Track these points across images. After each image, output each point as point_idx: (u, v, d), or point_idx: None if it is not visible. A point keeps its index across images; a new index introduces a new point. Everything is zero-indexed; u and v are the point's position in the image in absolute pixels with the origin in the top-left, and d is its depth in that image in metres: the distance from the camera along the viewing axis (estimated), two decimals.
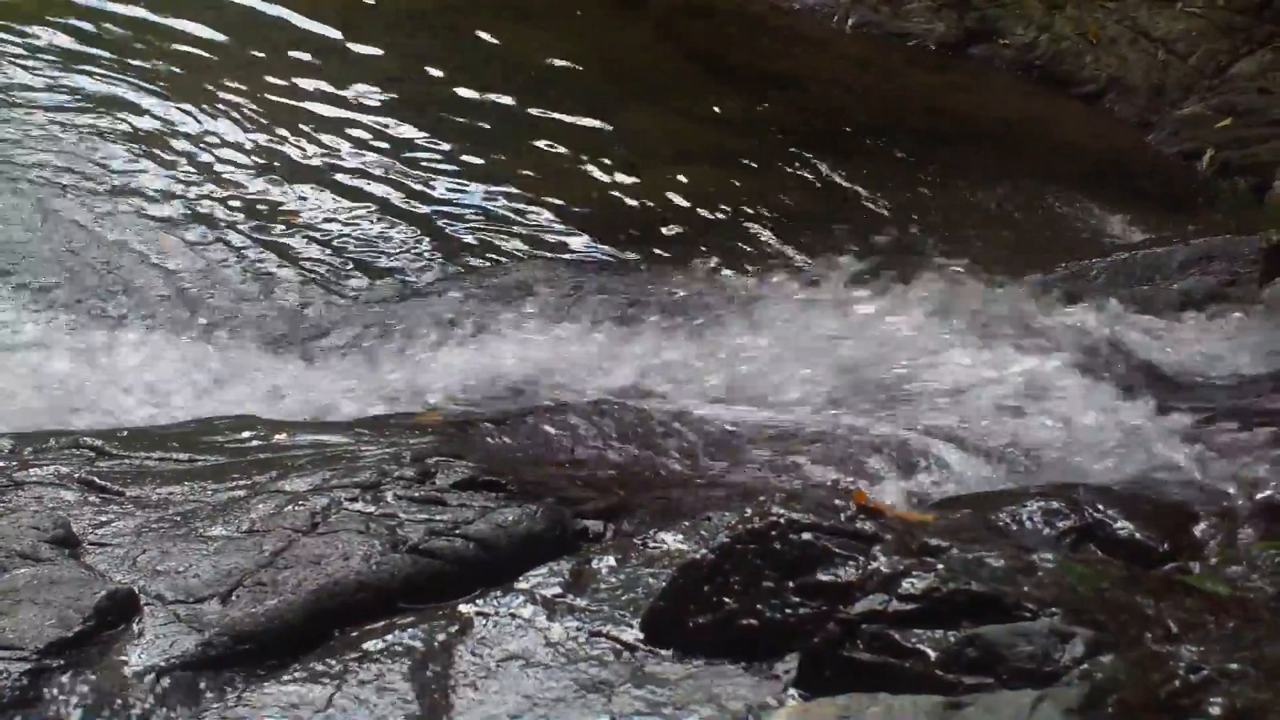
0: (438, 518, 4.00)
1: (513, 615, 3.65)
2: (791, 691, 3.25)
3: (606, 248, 7.70)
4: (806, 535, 3.46)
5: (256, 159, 8.23)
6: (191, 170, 8.04)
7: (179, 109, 8.65)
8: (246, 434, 4.77)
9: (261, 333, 6.62)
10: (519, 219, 7.90)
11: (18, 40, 9.16)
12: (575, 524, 4.20)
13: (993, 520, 4.06)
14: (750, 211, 8.22)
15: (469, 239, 7.65)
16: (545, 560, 3.92)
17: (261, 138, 8.45)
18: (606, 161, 8.65)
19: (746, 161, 8.85)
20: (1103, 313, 6.58)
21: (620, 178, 8.45)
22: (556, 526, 4.08)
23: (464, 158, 8.50)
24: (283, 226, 7.60)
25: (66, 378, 5.85)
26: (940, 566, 3.26)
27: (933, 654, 3.07)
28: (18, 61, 8.90)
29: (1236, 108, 9.89)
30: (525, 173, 8.41)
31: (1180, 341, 6.33)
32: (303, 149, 8.40)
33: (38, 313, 6.58)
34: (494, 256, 7.52)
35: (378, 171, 8.25)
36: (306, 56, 9.56)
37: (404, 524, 3.95)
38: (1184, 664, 2.85)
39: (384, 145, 8.55)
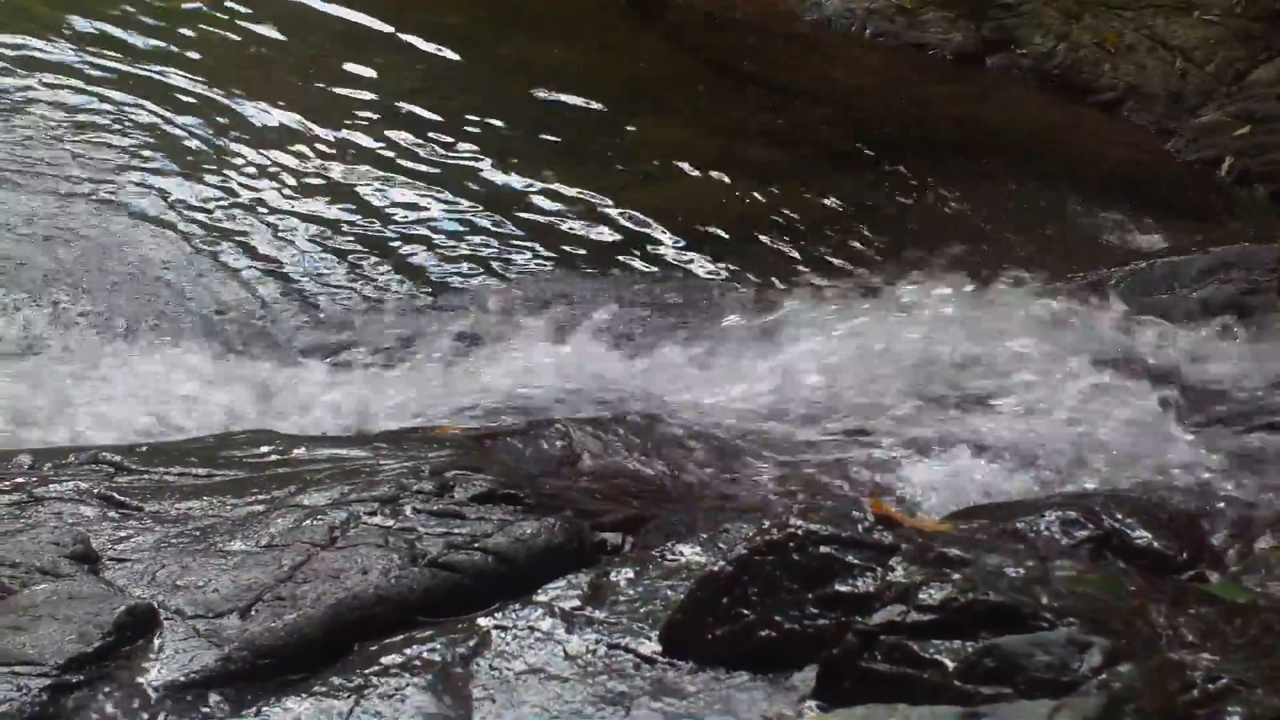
0: (456, 531, 4.01)
1: (531, 628, 3.66)
2: (810, 703, 3.25)
3: (623, 259, 7.70)
4: (824, 547, 3.46)
5: (259, 175, 8.25)
6: (211, 181, 8.07)
7: (192, 129, 8.68)
8: (265, 448, 4.78)
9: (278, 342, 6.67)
10: (534, 231, 7.90)
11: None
12: (593, 537, 4.20)
13: (1010, 530, 4.05)
14: (767, 222, 8.22)
15: (484, 251, 7.65)
16: (564, 573, 3.93)
17: (265, 156, 8.46)
18: (622, 173, 8.66)
19: (763, 172, 8.84)
20: (1121, 321, 6.57)
21: (636, 189, 8.45)
22: (575, 539, 4.08)
23: (478, 171, 8.51)
24: (305, 237, 7.63)
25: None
26: (958, 577, 3.26)
27: (950, 664, 3.07)
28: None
29: (1255, 115, 9.85)
30: (540, 184, 8.41)
31: (1199, 350, 6.31)
32: (314, 162, 8.42)
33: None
34: (509, 269, 7.52)
35: (391, 185, 8.26)
36: (319, 73, 9.58)
37: (422, 538, 3.96)
38: (1202, 673, 2.85)
39: (398, 159, 8.56)
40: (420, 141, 8.78)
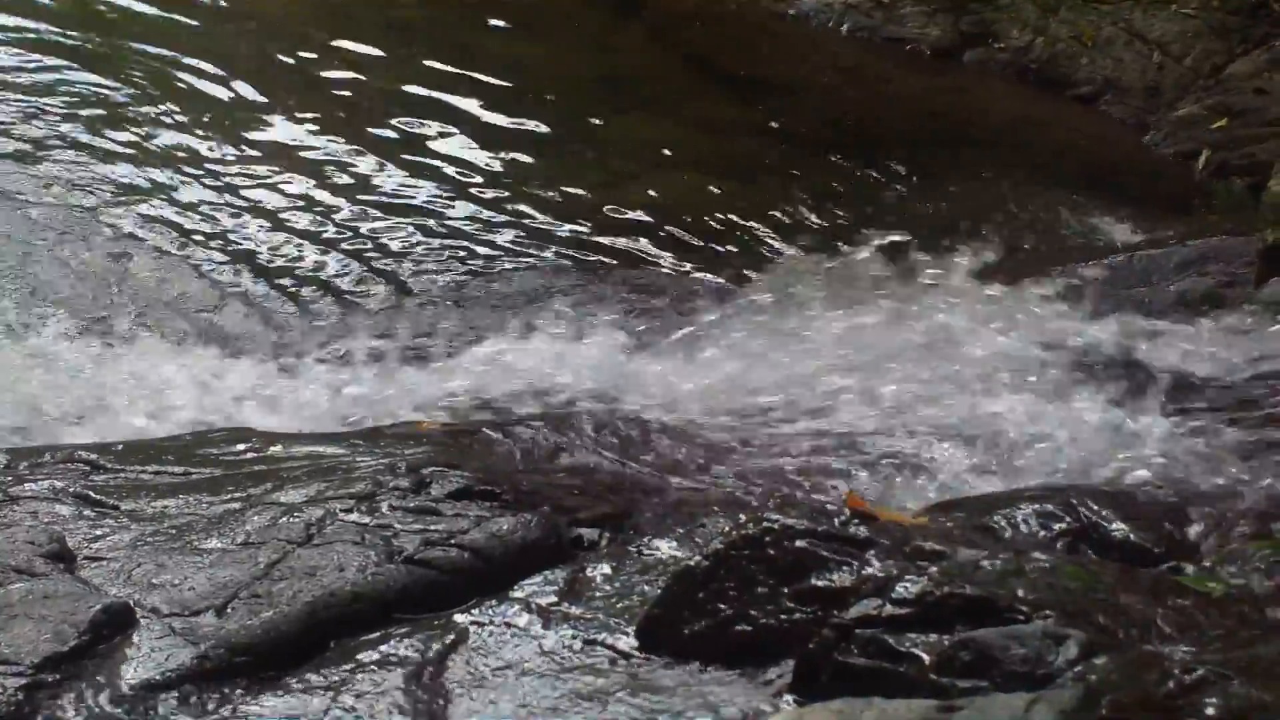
0: (433, 528, 4.00)
1: (508, 624, 3.65)
2: (786, 697, 3.25)
3: (602, 256, 7.70)
4: (801, 541, 3.45)
5: (246, 174, 8.23)
6: (199, 185, 8.05)
7: (183, 134, 8.66)
8: (241, 446, 4.77)
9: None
10: (516, 228, 7.90)
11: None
12: (570, 532, 4.18)
13: (987, 523, 4.06)
14: (747, 216, 8.23)
15: (467, 248, 7.65)
16: (540, 569, 3.92)
17: (251, 155, 8.45)
18: (603, 169, 8.66)
19: (743, 168, 8.86)
20: (1099, 315, 6.58)
21: (617, 185, 8.46)
22: (552, 535, 4.08)
23: (461, 168, 8.51)
24: (277, 236, 7.61)
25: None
26: (934, 570, 3.26)
27: (927, 658, 3.06)
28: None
29: (1232, 108, 9.88)
30: (520, 180, 8.42)
31: (1176, 343, 6.32)
32: (291, 158, 8.40)
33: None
34: (490, 265, 7.52)
35: (370, 184, 8.25)
36: (299, 70, 9.57)
37: (399, 534, 3.95)
38: (1179, 664, 2.84)
39: (380, 157, 8.56)
40: (400, 137, 8.78)
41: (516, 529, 4.03)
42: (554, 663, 3.47)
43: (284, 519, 4.01)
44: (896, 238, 7.80)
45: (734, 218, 8.24)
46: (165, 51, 9.56)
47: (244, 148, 8.50)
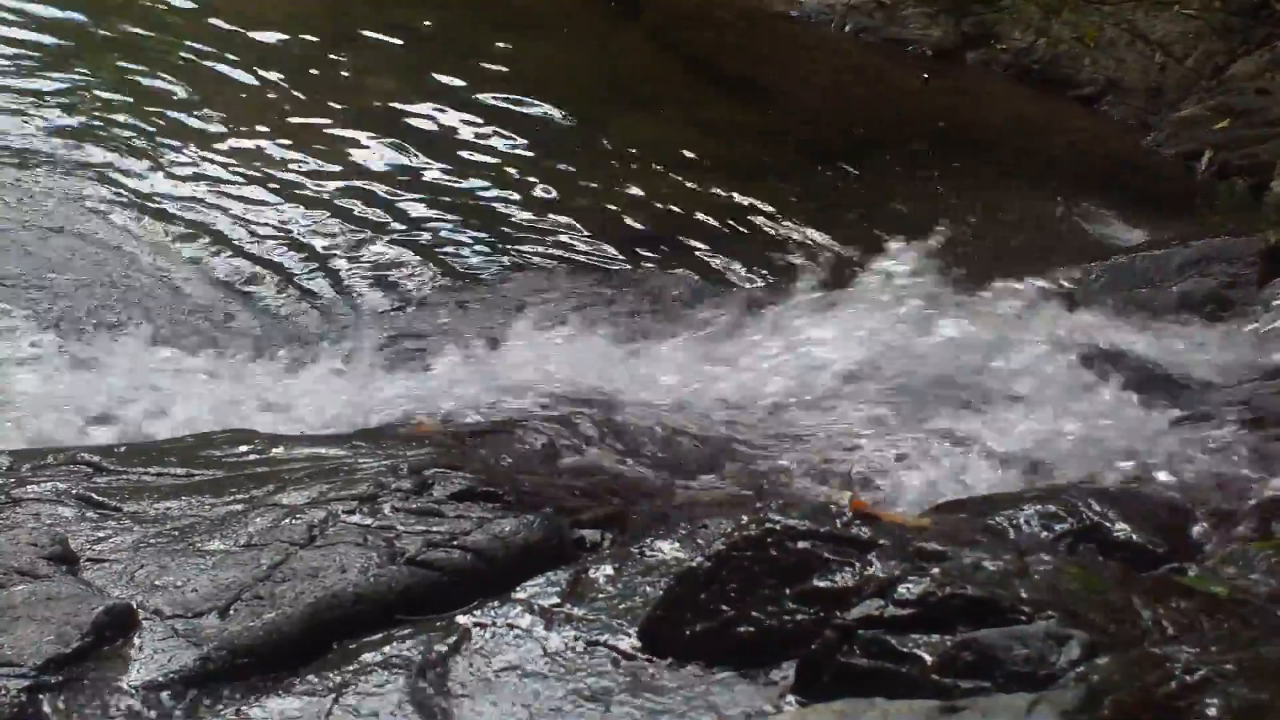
0: (435, 529, 4.00)
1: (510, 626, 3.65)
2: (789, 698, 3.25)
3: (604, 257, 7.70)
4: (803, 542, 3.46)
5: (250, 176, 8.22)
6: (199, 189, 8.05)
7: (187, 136, 8.65)
8: (244, 448, 4.77)
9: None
10: (516, 229, 7.90)
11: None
12: (572, 533, 4.19)
13: (989, 524, 4.05)
14: (747, 218, 8.23)
15: (467, 251, 7.65)
16: (543, 570, 3.92)
17: (255, 158, 8.44)
18: (603, 170, 8.66)
19: (744, 169, 8.85)
20: (1102, 315, 6.58)
21: (617, 187, 8.46)
22: (554, 536, 4.08)
23: (460, 169, 8.51)
24: (272, 244, 7.61)
25: None
26: (936, 571, 3.26)
27: (929, 658, 3.07)
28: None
29: (1234, 109, 9.88)
30: (522, 183, 8.42)
31: (1179, 343, 6.32)
32: (292, 164, 8.39)
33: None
34: (492, 267, 7.51)
35: (373, 185, 8.25)
36: (297, 70, 9.57)
37: (401, 536, 3.95)
38: (1180, 665, 2.84)
39: (378, 158, 8.55)
40: (398, 139, 8.77)
41: (519, 530, 4.03)
42: (556, 664, 3.47)
43: (286, 520, 4.01)
44: (896, 239, 7.80)
45: (736, 219, 8.24)
46: (166, 50, 9.57)
47: (241, 148, 8.49)
